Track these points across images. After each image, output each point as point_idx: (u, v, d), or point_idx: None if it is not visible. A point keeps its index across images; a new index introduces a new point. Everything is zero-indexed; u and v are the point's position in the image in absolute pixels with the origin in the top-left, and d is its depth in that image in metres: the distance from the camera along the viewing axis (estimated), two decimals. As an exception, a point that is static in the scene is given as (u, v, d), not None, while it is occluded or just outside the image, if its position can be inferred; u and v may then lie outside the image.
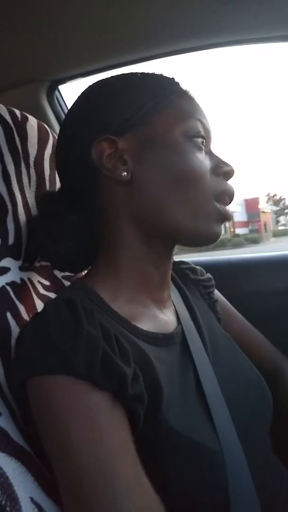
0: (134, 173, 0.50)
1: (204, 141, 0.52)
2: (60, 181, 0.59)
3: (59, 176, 0.59)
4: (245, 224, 33.05)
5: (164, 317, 0.56)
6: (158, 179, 0.49)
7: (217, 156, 0.54)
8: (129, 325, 0.50)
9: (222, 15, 0.80)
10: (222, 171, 0.53)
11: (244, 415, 0.52)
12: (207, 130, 0.53)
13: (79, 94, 0.57)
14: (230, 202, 0.54)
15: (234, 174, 0.55)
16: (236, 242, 21.55)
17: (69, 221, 0.55)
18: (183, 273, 0.70)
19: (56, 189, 0.70)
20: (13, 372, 0.44)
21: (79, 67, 0.96)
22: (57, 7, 0.81)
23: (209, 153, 0.54)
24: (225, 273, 0.95)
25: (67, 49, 0.94)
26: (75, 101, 0.56)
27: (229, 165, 0.54)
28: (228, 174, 0.54)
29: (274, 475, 0.55)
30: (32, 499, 0.41)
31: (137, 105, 0.50)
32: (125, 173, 0.50)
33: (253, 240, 24.19)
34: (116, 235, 0.53)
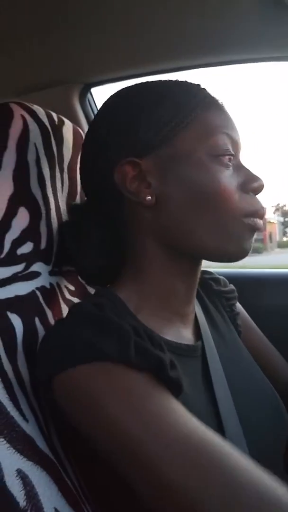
0: (158, 195, 0.49)
1: (232, 157, 0.50)
2: (86, 194, 0.59)
3: (83, 189, 0.59)
4: (249, 234, 33.23)
5: (186, 331, 0.55)
6: (183, 201, 0.48)
7: (246, 170, 0.52)
8: (154, 333, 0.49)
9: (266, 25, 0.79)
10: (252, 187, 0.51)
11: (257, 430, 0.52)
12: (235, 143, 0.51)
13: (104, 105, 0.55)
14: (261, 218, 0.52)
15: (264, 188, 0.53)
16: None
17: (95, 236, 0.55)
18: (206, 283, 0.69)
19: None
20: (40, 370, 0.44)
21: (113, 71, 0.96)
22: (96, 9, 0.81)
23: (238, 166, 0.52)
24: (250, 286, 0.95)
25: (102, 52, 0.94)
26: (100, 113, 0.55)
27: (259, 180, 0.52)
28: (258, 190, 0.52)
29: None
30: (56, 510, 0.41)
31: (162, 122, 0.49)
32: (149, 197, 0.49)
33: (255, 249, 24.14)
34: (142, 252, 0.52)
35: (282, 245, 34.71)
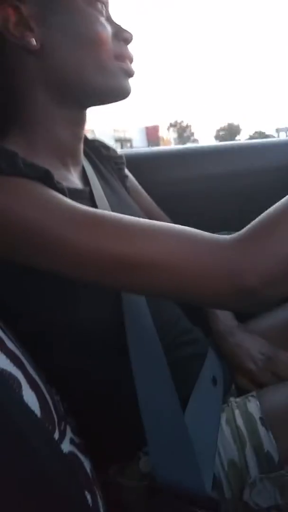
0: (42, 39, 0.50)
1: (104, 6, 0.55)
2: None
3: None
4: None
5: (74, 178, 0.59)
6: (65, 43, 0.51)
7: (117, 23, 0.57)
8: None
9: None
10: (123, 36, 0.56)
11: None
12: None
13: None
14: (130, 63, 0.57)
15: (133, 39, 0.57)
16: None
17: None
18: (96, 149, 0.74)
19: None
20: None
21: None
22: None
23: (109, 19, 0.56)
24: (143, 163, 1.01)
25: None
26: None
27: (129, 32, 0.57)
28: (128, 39, 0.57)
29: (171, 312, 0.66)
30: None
31: None
32: (34, 40, 0.50)
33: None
34: (29, 101, 0.54)
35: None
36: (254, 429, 0.54)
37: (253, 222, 0.42)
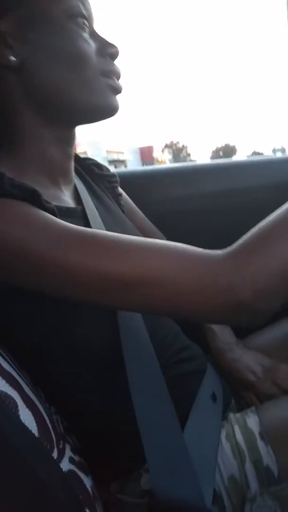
0: (22, 57, 0.50)
1: (86, 21, 0.53)
2: None
3: None
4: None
5: (66, 198, 0.59)
6: (47, 61, 0.50)
7: (101, 37, 0.55)
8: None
9: None
10: (108, 52, 0.55)
11: None
12: (88, 11, 0.54)
13: None
14: (117, 79, 0.56)
15: (119, 55, 0.56)
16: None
17: None
18: (88, 168, 0.73)
19: None
20: None
21: None
22: None
23: (93, 34, 0.55)
24: (138, 182, 1.03)
25: None
26: None
27: (115, 46, 0.55)
28: (114, 55, 0.55)
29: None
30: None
31: None
32: (13, 58, 0.49)
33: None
34: (16, 122, 0.53)
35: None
36: (253, 444, 0.54)
37: (245, 236, 0.42)
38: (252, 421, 0.58)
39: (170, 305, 0.42)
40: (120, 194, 0.79)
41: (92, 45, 0.54)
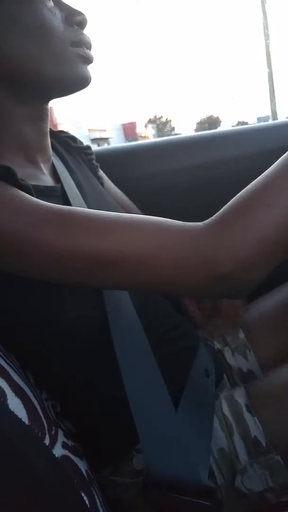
0: None
1: None
2: None
3: None
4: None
5: (44, 176, 0.58)
6: (13, 35, 0.48)
7: (68, 6, 0.53)
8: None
9: None
10: (76, 20, 0.53)
11: None
12: None
13: None
14: (88, 50, 0.54)
15: (87, 23, 0.55)
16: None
17: None
18: (63, 141, 0.73)
19: None
20: None
21: None
22: None
23: (58, 2, 0.53)
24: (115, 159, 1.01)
25: None
26: None
27: (82, 14, 0.54)
28: (82, 23, 0.54)
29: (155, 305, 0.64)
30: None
31: None
32: None
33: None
34: None
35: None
36: (240, 416, 0.55)
37: (225, 207, 0.41)
38: (238, 393, 0.58)
39: (152, 281, 0.42)
40: (97, 167, 0.78)
41: (58, 15, 0.52)
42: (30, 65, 0.50)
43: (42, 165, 0.58)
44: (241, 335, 0.74)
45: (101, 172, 0.79)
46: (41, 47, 0.50)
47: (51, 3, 0.51)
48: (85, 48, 0.54)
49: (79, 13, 0.54)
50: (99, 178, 0.77)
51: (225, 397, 0.59)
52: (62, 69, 0.52)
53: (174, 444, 0.49)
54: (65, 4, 0.54)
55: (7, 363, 0.45)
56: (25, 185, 0.45)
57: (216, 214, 0.41)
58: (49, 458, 0.41)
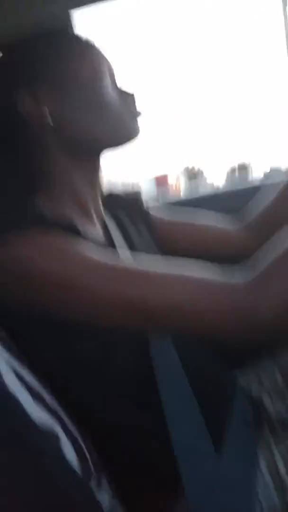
0: (55, 114, 0.58)
1: (109, 76, 0.62)
2: None
3: None
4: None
5: (96, 231, 0.63)
6: (78, 114, 0.59)
7: (120, 88, 0.63)
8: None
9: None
10: (127, 99, 0.63)
11: None
12: (109, 65, 0.63)
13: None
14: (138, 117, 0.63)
15: (137, 99, 0.63)
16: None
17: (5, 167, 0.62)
18: (113, 200, 0.76)
19: None
20: None
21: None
22: None
23: (113, 84, 0.63)
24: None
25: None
26: None
27: (132, 95, 0.63)
28: (133, 101, 0.63)
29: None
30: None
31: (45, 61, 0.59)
32: (49, 116, 0.57)
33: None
34: (48, 162, 0.60)
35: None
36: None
37: (261, 267, 0.47)
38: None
39: (197, 331, 0.48)
40: (148, 213, 0.80)
41: (115, 96, 0.61)
42: (90, 134, 0.60)
43: (96, 221, 0.64)
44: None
45: (153, 216, 0.80)
46: (99, 119, 0.59)
47: (109, 86, 0.61)
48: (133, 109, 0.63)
49: (130, 94, 0.63)
50: (150, 226, 0.78)
51: (281, 453, 0.57)
52: (118, 129, 0.61)
53: (218, 491, 0.48)
54: (118, 87, 0.63)
55: (58, 405, 0.46)
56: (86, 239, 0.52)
57: (254, 272, 0.47)
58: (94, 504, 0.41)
